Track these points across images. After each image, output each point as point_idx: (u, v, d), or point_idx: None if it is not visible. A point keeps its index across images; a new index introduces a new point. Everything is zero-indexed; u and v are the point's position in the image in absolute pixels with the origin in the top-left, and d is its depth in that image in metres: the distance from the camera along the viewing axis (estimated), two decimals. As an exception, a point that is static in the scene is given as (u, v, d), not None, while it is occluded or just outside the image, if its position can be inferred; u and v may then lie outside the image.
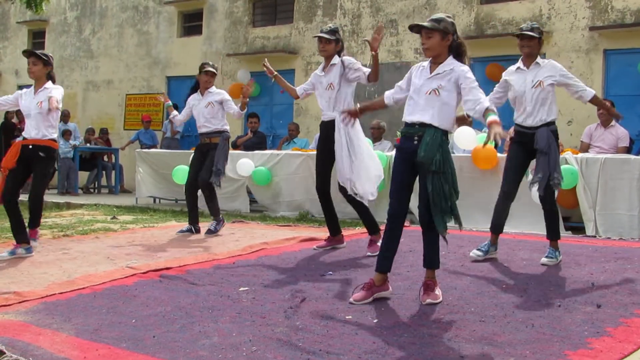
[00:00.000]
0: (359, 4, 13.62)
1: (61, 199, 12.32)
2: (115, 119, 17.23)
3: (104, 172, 15.43)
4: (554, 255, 5.68)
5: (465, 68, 4.51)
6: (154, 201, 12.18)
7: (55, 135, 6.56)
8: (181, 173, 10.54)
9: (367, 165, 5.98)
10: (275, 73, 6.85)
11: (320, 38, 6.28)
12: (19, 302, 4.57)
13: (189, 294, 4.80)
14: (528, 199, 7.12)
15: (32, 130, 6.47)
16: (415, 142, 4.45)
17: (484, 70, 11.88)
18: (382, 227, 4.79)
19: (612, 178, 7.77)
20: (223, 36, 15.53)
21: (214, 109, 7.68)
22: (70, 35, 18.11)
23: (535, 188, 5.66)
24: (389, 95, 4.85)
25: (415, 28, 4.54)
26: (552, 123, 5.67)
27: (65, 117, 14.94)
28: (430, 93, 4.48)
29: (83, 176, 15.33)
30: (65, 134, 14.41)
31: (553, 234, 5.76)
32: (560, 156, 8.10)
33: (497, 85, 5.94)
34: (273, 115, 14.72)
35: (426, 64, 4.62)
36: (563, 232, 7.84)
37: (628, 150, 9.05)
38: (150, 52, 16.76)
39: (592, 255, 6.01)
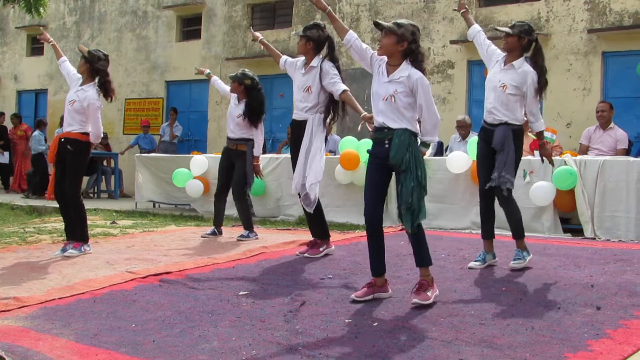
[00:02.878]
0: (358, 8, 13.64)
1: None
2: (114, 123, 17.23)
3: (103, 177, 15.41)
4: (521, 257, 5.55)
5: (422, 78, 4.56)
6: (154, 206, 12.17)
7: (85, 130, 6.57)
8: (181, 176, 10.55)
9: (314, 168, 5.96)
10: (261, 37, 6.81)
11: (300, 37, 6.21)
12: (19, 308, 4.57)
13: (188, 298, 4.80)
14: (520, 201, 7.09)
15: (66, 125, 6.68)
16: (387, 145, 4.57)
17: (482, 72, 11.90)
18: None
19: (610, 180, 7.77)
20: (222, 40, 15.54)
21: (245, 120, 7.46)
22: (69, 40, 18.11)
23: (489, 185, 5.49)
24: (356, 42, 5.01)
25: (378, 26, 4.68)
26: (514, 124, 5.47)
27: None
28: (387, 99, 4.59)
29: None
30: None
31: (516, 234, 5.61)
32: (559, 158, 8.15)
33: (484, 40, 5.84)
34: (272, 119, 14.72)
35: (383, 62, 4.73)
36: (562, 235, 7.87)
37: (627, 152, 9.05)
38: (149, 56, 16.78)
39: (591, 257, 6.01)
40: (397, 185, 4.53)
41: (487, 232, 5.74)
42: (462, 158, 8.57)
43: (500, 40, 5.72)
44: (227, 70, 15.21)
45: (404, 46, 4.59)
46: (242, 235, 7.49)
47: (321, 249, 6.29)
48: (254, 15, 15.33)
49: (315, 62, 6.15)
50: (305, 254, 6.26)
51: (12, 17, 19.31)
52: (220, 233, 7.77)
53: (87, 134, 6.60)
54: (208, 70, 8.49)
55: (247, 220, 7.59)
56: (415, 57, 4.62)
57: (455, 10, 6.13)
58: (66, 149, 6.55)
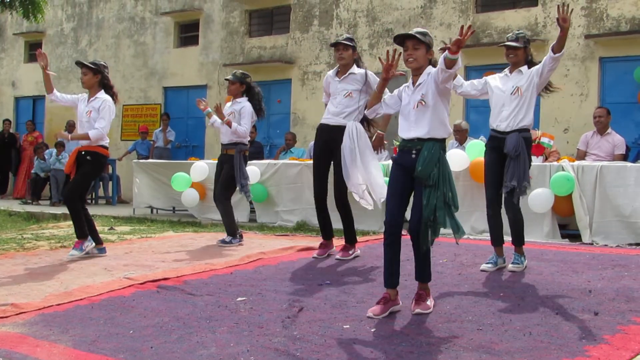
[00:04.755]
0: (355, 14, 13.66)
1: (58, 210, 12.32)
2: (112, 129, 17.06)
3: (101, 183, 15.41)
4: (520, 261, 5.70)
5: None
6: (152, 211, 12.17)
7: (104, 142, 6.90)
8: (180, 180, 10.54)
9: (375, 175, 6.03)
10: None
11: (337, 45, 6.33)
12: (16, 314, 4.56)
13: (186, 304, 4.80)
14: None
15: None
16: (414, 155, 4.49)
17: (480, 77, 11.92)
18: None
19: (608, 185, 7.78)
20: (220, 46, 15.55)
21: (235, 120, 7.54)
22: (67, 47, 18.13)
23: (504, 192, 5.67)
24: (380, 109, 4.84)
25: (399, 38, 4.59)
26: (525, 130, 5.68)
27: (70, 127, 15.00)
28: (417, 106, 4.54)
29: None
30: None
31: (517, 241, 5.77)
32: (557, 164, 8.17)
33: (477, 80, 5.99)
34: (270, 125, 14.74)
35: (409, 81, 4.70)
36: (559, 240, 7.88)
37: (624, 157, 9.07)
38: (147, 62, 16.78)
39: (589, 262, 6.02)
40: (417, 197, 4.46)
41: (497, 239, 5.86)
42: (459, 156, 8.56)
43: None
44: (225, 77, 15.22)
45: (432, 54, 4.61)
46: (223, 241, 7.54)
47: (350, 252, 6.45)
48: (252, 22, 15.35)
49: (355, 69, 6.31)
50: (338, 256, 6.40)
51: (10, 23, 19.32)
52: (240, 238, 7.73)
53: (106, 147, 6.91)
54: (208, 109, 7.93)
55: (229, 225, 7.64)
56: (435, 65, 4.62)
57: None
58: (85, 159, 6.77)
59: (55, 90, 7.03)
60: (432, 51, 4.60)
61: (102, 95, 6.85)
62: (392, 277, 4.56)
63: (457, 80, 5.92)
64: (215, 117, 7.77)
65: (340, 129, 6.12)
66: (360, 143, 6.04)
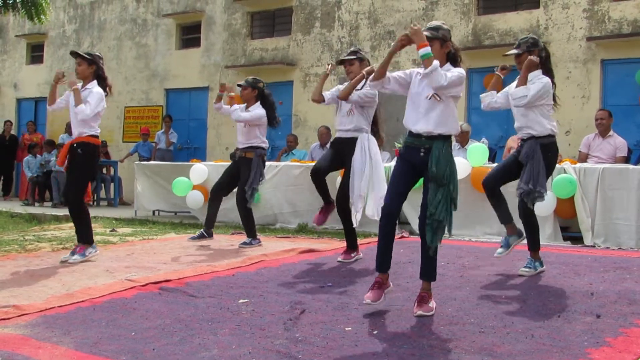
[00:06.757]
0: (357, 16, 13.67)
1: (60, 212, 12.31)
2: (114, 131, 17.24)
3: (102, 185, 15.43)
4: (532, 266, 5.65)
5: (457, 69, 4.56)
6: (153, 213, 12.17)
7: (94, 132, 6.63)
8: (181, 185, 10.54)
9: (380, 187, 6.06)
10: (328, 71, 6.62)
11: (342, 62, 6.36)
12: (18, 316, 4.56)
13: (188, 306, 4.80)
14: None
15: (74, 130, 6.70)
16: (422, 154, 4.50)
17: (482, 80, 11.93)
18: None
19: (610, 188, 7.78)
20: (221, 48, 15.57)
21: (246, 127, 7.59)
22: (69, 48, 18.06)
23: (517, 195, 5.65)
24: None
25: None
26: (542, 137, 5.60)
27: (69, 128, 15.01)
28: (430, 97, 4.52)
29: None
30: None
31: (531, 245, 5.73)
32: (559, 166, 8.15)
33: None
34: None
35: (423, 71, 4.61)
36: (561, 242, 7.87)
37: (626, 159, 9.07)
38: (148, 64, 16.80)
39: (591, 265, 6.02)
40: (426, 195, 4.47)
41: (502, 217, 5.83)
42: (460, 164, 8.54)
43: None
44: (227, 79, 15.24)
45: (449, 47, 4.58)
46: (244, 243, 7.54)
47: (352, 254, 6.51)
48: (254, 24, 15.37)
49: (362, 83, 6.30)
50: (340, 259, 6.48)
51: (12, 25, 19.35)
52: (210, 235, 7.75)
53: (96, 136, 6.68)
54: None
55: (250, 227, 7.62)
56: (455, 56, 4.61)
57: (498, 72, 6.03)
58: (76, 153, 6.60)
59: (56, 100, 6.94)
60: (448, 43, 4.58)
61: (92, 86, 6.67)
62: (383, 262, 4.61)
63: (491, 95, 5.91)
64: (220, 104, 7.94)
65: (353, 141, 6.21)
66: (372, 156, 6.11)
